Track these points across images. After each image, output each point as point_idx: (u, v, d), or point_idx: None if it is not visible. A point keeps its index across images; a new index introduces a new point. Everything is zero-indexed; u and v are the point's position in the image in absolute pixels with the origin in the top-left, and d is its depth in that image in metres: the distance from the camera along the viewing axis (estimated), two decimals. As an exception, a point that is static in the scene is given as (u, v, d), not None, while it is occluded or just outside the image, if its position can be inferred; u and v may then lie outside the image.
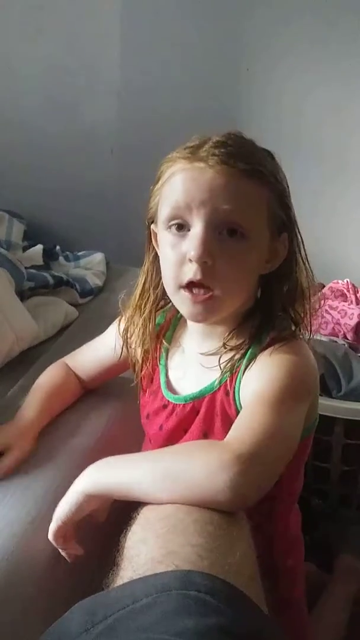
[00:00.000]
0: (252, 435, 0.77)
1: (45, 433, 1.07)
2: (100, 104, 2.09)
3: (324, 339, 1.61)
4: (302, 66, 1.86)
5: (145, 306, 1.00)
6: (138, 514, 0.76)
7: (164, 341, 1.03)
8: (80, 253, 1.96)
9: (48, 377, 1.14)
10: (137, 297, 1.00)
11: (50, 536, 0.83)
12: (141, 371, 1.03)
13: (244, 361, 0.90)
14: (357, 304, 1.68)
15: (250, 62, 1.90)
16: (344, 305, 1.67)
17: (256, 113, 1.90)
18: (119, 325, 1.05)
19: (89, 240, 2.06)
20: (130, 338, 1.02)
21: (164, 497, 0.75)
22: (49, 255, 1.87)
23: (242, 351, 0.91)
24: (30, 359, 1.35)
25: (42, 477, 0.97)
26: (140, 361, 1.02)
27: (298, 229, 0.92)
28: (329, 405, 1.39)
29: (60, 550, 0.85)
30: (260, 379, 0.87)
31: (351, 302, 1.69)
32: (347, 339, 1.63)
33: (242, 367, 0.90)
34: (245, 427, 0.79)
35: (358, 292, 1.72)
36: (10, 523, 0.88)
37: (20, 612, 0.82)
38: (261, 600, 0.68)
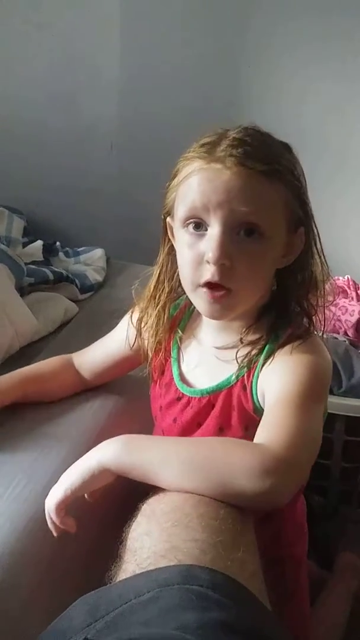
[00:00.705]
0: (288, 438, 0.78)
1: (46, 426, 1.07)
2: (100, 99, 2.09)
3: (324, 335, 1.60)
4: (303, 64, 1.86)
5: (160, 297, 1.00)
6: (143, 505, 0.76)
7: (178, 330, 1.03)
8: (80, 249, 1.96)
9: (37, 365, 1.16)
10: (152, 288, 1.00)
11: (52, 505, 0.82)
12: (153, 361, 1.03)
13: (262, 357, 0.91)
14: (358, 300, 1.68)
15: (252, 59, 1.90)
16: (344, 302, 1.67)
17: (257, 110, 1.88)
18: (131, 316, 1.05)
19: (89, 236, 2.06)
20: (143, 328, 1.03)
21: (191, 486, 0.76)
22: (49, 251, 1.87)
23: (259, 346, 0.91)
24: (30, 355, 1.35)
25: (43, 471, 0.97)
26: (152, 352, 1.02)
27: (314, 222, 0.92)
28: (330, 402, 1.36)
29: (51, 523, 0.83)
30: (284, 377, 0.87)
31: (352, 298, 1.69)
32: (348, 336, 1.63)
33: (260, 363, 0.91)
34: (280, 430, 0.80)
35: (359, 289, 1.71)
36: (11, 517, 0.88)
37: (23, 606, 0.82)
38: (263, 595, 0.68)
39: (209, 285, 0.86)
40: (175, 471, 0.77)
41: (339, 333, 1.64)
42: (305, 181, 0.91)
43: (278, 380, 0.87)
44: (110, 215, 2.18)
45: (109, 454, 0.80)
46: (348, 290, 1.71)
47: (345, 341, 1.59)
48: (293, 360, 0.88)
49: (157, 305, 1.00)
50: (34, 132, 2.17)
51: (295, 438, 0.78)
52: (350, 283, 1.73)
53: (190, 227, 0.87)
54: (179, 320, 1.04)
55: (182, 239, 0.89)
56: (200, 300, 0.89)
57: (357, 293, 1.70)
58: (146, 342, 1.03)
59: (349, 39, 1.79)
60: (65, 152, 2.17)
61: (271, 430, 0.80)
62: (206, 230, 0.85)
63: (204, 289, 0.87)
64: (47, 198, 2.21)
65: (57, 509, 0.81)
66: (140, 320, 1.03)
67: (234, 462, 0.75)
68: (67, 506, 0.81)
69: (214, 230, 0.84)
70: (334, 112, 1.87)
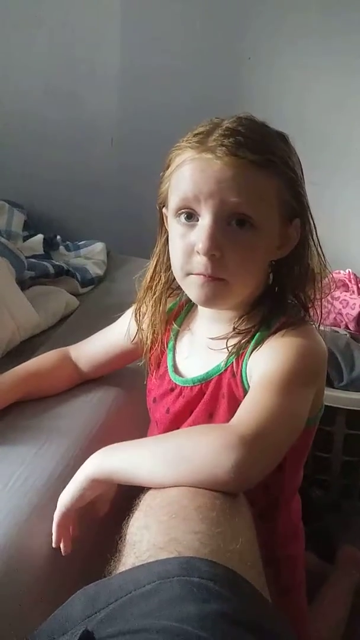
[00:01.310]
0: (257, 417, 0.77)
1: (45, 421, 1.08)
2: (101, 93, 2.09)
3: (325, 329, 1.60)
4: (304, 57, 1.85)
5: (156, 288, 1.00)
6: (140, 501, 0.76)
7: (174, 324, 1.03)
8: (80, 242, 1.96)
9: (36, 360, 1.16)
10: (149, 279, 1.00)
11: (54, 523, 0.84)
12: (150, 354, 1.04)
13: (252, 343, 0.90)
14: (359, 294, 1.68)
15: (253, 52, 1.89)
16: (345, 296, 1.67)
17: (258, 103, 1.88)
18: (134, 310, 1.05)
19: (89, 230, 2.06)
20: (140, 318, 1.03)
21: (169, 480, 0.75)
22: (50, 245, 1.87)
23: (250, 334, 0.91)
24: (31, 349, 1.35)
25: (42, 466, 0.97)
26: (149, 343, 1.03)
27: (310, 214, 0.91)
28: (331, 396, 1.39)
29: (55, 540, 0.85)
30: (269, 360, 0.86)
31: (353, 292, 1.69)
32: (349, 329, 1.63)
33: (249, 349, 0.90)
34: (251, 409, 0.79)
35: (360, 283, 1.71)
36: (12, 512, 0.88)
37: (23, 599, 0.82)
38: (263, 586, 0.68)
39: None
40: (153, 468, 0.77)
41: (339, 326, 1.64)
42: (301, 172, 0.90)
43: (265, 362, 0.87)
44: (110, 209, 2.18)
45: (93, 465, 0.82)
46: (349, 284, 1.71)
47: (346, 334, 1.59)
48: (282, 343, 0.88)
49: (154, 296, 1.00)
50: (34, 126, 2.17)
51: (267, 416, 0.77)
52: (351, 276, 1.73)
53: (182, 217, 0.86)
54: (177, 314, 1.04)
55: (174, 229, 0.89)
56: (191, 287, 0.89)
57: (358, 286, 1.70)
58: (144, 332, 1.03)
59: (350, 33, 1.78)
60: (65, 146, 2.16)
61: (243, 411, 0.80)
62: (197, 220, 0.85)
63: (195, 277, 0.87)
64: (47, 192, 2.21)
65: (58, 527, 0.84)
66: (138, 310, 1.03)
67: (200, 446, 0.75)
68: (71, 520, 0.84)
69: (205, 220, 0.84)
70: (336, 106, 1.87)
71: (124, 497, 0.81)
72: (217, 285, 0.86)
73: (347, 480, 1.59)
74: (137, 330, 1.04)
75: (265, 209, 0.85)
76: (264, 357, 0.88)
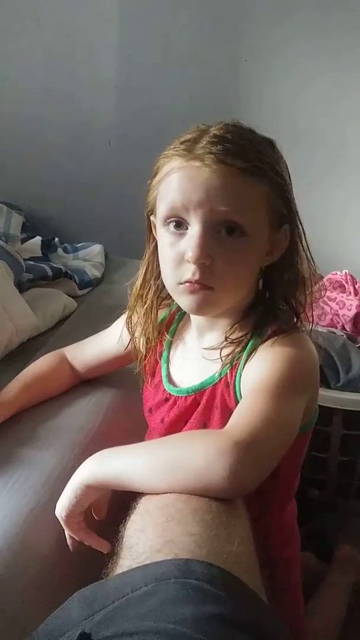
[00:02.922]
0: (250, 423, 0.77)
1: (44, 422, 1.08)
2: (99, 95, 2.09)
3: (322, 330, 1.61)
4: (300, 58, 1.86)
5: (147, 296, 0.99)
6: (137, 504, 0.76)
7: (166, 335, 1.02)
8: (78, 245, 1.97)
9: (36, 366, 1.16)
10: (139, 287, 1.00)
11: (64, 524, 0.84)
12: (144, 360, 1.04)
13: (245, 353, 0.90)
14: (356, 295, 1.68)
15: (249, 54, 1.90)
16: (342, 297, 1.67)
17: (254, 104, 1.89)
18: (125, 318, 1.05)
19: (87, 232, 2.07)
20: (133, 327, 1.03)
21: (162, 486, 0.75)
22: (48, 247, 1.87)
23: (243, 344, 0.91)
24: (29, 351, 1.35)
25: (41, 466, 0.98)
26: (143, 351, 1.03)
27: (299, 219, 0.91)
28: (328, 396, 1.39)
29: (69, 538, 0.86)
30: (261, 368, 0.86)
31: (349, 293, 1.69)
32: (346, 330, 1.63)
33: (243, 359, 0.90)
34: (244, 416, 0.79)
35: (356, 284, 1.71)
36: (10, 513, 0.89)
37: (21, 600, 0.82)
38: (260, 588, 0.68)
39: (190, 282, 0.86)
40: (146, 475, 0.77)
41: (336, 327, 1.65)
42: (289, 177, 0.89)
43: (256, 372, 0.87)
44: (108, 211, 2.18)
45: (86, 471, 0.81)
46: (345, 285, 1.71)
47: (343, 335, 1.59)
48: (273, 352, 0.87)
49: (145, 305, 0.99)
50: (32, 127, 2.17)
51: (260, 423, 0.77)
52: (348, 277, 1.73)
53: (171, 226, 0.86)
54: (169, 325, 1.04)
55: (163, 237, 0.88)
56: (181, 295, 0.88)
57: (354, 287, 1.70)
58: (137, 340, 1.03)
59: (344, 34, 1.79)
60: (63, 148, 2.17)
61: (237, 417, 0.80)
62: (187, 229, 0.84)
63: (184, 286, 0.86)
64: (45, 194, 2.21)
65: (71, 531, 0.84)
66: (129, 318, 1.03)
67: (194, 453, 0.75)
68: (76, 525, 0.83)
69: (194, 229, 0.83)
70: (330, 106, 1.88)
71: (121, 499, 0.82)
72: (207, 293, 0.86)
73: (344, 480, 1.59)
74: (130, 338, 1.04)
75: (254, 216, 0.85)
76: (255, 367, 0.88)
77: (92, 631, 0.58)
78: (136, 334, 1.03)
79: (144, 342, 1.02)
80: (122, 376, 1.20)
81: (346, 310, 1.64)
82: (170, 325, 1.04)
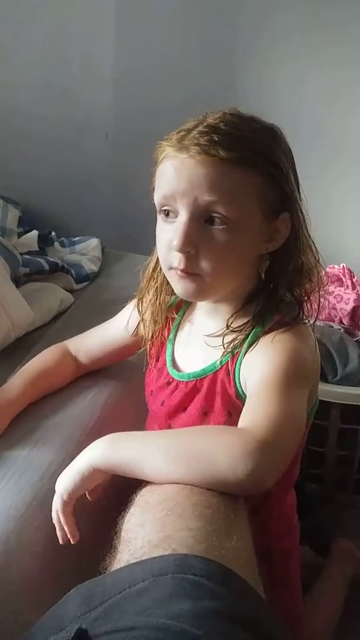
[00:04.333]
0: (270, 422, 0.78)
1: (42, 414, 1.08)
2: (95, 89, 2.08)
3: (319, 323, 1.61)
4: (297, 51, 1.85)
5: (157, 276, 1.01)
6: (137, 497, 0.76)
7: (175, 315, 1.04)
8: (75, 239, 1.96)
9: (40, 360, 1.15)
10: (151, 268, 1.02)
11: (54, 511, 0.84)
12: (150, 346, 1.05)
13: (246, 343, 0.91)
14: (353, 289, 1.68)
15: (246, 47, 1.89)
16: (339, 290, 1.67)
17: (252, 98, 1.88)
18: (137, 299, 1.06)
19: (84, 226, 2.06)
20: (144, 308, 1.04)
21: (176, 476, 0.76)
22: (44, 241, 1.87)
23: (245, 333, 0.92)
24: (26, 345, 1.35)
25: (38, 462, 0.97)
26: (150, 332, 1.04)
27: (299, 207, 0.91)
28: (325, 390, 1.40)
29: (58, 529, 0.85)
30: (265, 363, 0.87)
31: (347, 287, 1.69)
32: (343, 324, 1.63)
33: (244, 349, 0.91)
34: (261, 414, 0.80)
35: (354, 277, 1.71)
36: (7, 507, 0.89)
37: (17, 595, 0.82)
38: (258, 583, 0.69)
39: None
40: (160, 463, 0.78)
41: (334, 321, 1.65)
42: (288, 166, 0.89)
43: (259, 367, 0.88)
44: (105, 205, 2.17)
45: (97, 453, 0.81)
46: (343, 279, 1.71)
47: (340, 329, 1.59)
48: (274, 347, 0.89)
49: (156, 284, 1.01)
50: (28, 122, 2.16)
51: (277, 421, 0.78)
52: (346, 271, 1.72)
53: (163, 214, 0.89)
54: (179, 307, 1.06)
55: (158, 224, 0.91)
56: (172, 280, 0.91)
57: (352, 281, 1.70)
58: (145, 322, 1.04)
59: (343, 25, 1.78)
60: (60, 143, 2.16)
61: (253, 415, 0.81)
62: (176, 217, 0.87)
63: (174, 271, 0.89)
64: (42, 188, 2.21)
65: (63, 514, 0.83)
66: (140, 299, 1.04)
67: (216, 448, 0.76)
68: (71, 509, 0.83)
69: (181, 218, 0.85)
70: (329, 100, 1.87)
71: (120, 491, 0.81)
72: (194, 280, 0.88)
73: (341, 474, 1.60)
74: (139, 321, 1.05)
75: (241, 206, 0.85)
76: (258, 361, 0.89)
77: (90, 627, 0.58)
78: (145, 316, 1.04)
79: (152, 322, 1.03)
80: (120, 368, 1.20)
81: (344, 303, 1.64)
82: (179, 308, 1.06)
